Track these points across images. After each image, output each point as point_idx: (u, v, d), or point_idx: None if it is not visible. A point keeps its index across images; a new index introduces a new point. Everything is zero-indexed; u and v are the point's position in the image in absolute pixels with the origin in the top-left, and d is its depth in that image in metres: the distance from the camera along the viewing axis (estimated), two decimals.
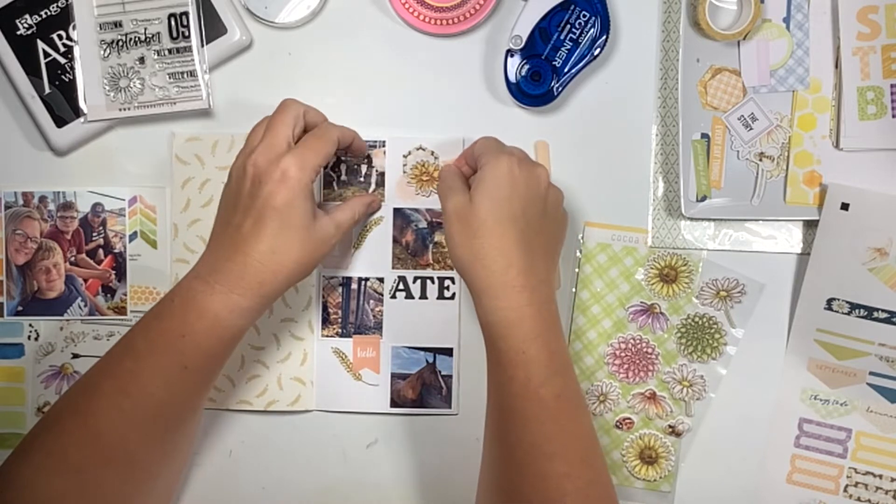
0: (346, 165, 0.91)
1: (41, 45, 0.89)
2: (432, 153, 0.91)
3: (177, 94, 0.89)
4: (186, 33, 0.89)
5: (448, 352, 0.91)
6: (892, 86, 0.89)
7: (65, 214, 0.91)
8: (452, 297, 0.91)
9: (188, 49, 0.89)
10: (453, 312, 0.91)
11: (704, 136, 0.90)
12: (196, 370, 0.77)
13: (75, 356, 0.92)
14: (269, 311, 0.91)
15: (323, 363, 0.92)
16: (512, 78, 0.88)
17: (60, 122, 0.89)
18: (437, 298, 0.91)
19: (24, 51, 0.89)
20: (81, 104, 0.89)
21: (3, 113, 0.92)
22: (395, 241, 0.91)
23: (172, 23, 0.89)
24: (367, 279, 0.91)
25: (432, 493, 0.93)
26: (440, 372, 0.91)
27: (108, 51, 0.89)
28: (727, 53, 0.90)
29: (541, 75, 0.88)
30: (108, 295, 0.91)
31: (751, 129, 0.90)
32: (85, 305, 0.91)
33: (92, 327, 0.91)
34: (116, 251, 0.91)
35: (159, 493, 0.84)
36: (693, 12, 0.88)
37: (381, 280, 0.91)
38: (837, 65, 0.89)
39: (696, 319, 0.91)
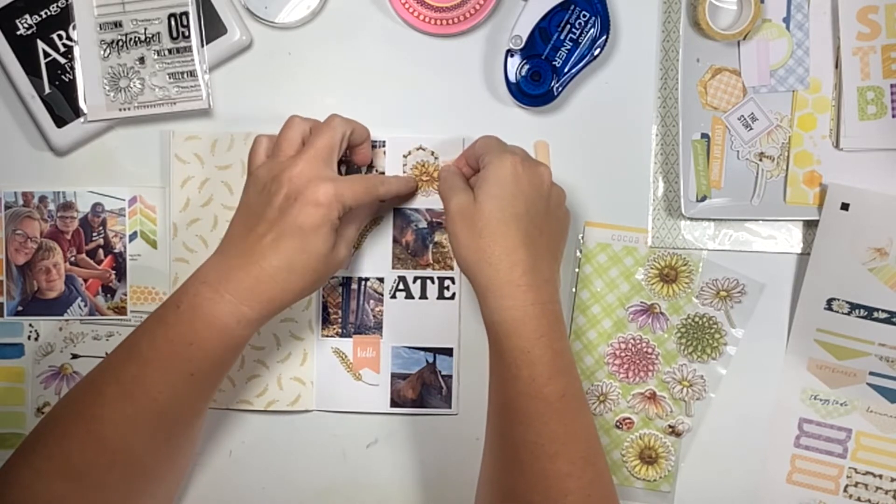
0: (347, 166, 0.92)
1: (41, 45, 0.90)
2: (432, 153, 0.92)
3: (177, 94, 0.90)
4: (186, 33, 0.89)
5: (448, 352, 0.92)
6: (892, 86, 0.89)
7: (65, 214, 0.92)
8: (452, 297, 0.92)
9: (188, 49, 0.89)
10: (453, 312, 0.92)
11: (704, 136, 0.90)
12: (202, 377, 0.77)
13: (75, 356, 0.93)
14: None
15: (323, 363, 0.92)
16: (512, 78, 0.89)
17: (60, 122, 0.90)
18: (437, 298, 0.92)
19: (24, 51, 0.89)
20: (81, 104, 0.90)
21: (3, 113, 0.92)
22: (395, 241, 0.92)
23: (172, 23, 0.89)
24: (367, 279, 0.92)
25: (432, 493, 0.93)
26: (440, 372, 0.92)
27: (108, 51, 0.89)
28: (727, 53, 0.90)
29: (541, 75, 0.89)
30: (108, 295, 0.92)
31: (751, 129, 0.90)
32: (85, 305, 0.92)
33: (91, 327, 0.92)
34: (116, 251, 0.92)
35: (162, 496, 0.85)
36: (693, 12, 0.89)
37: (381, 280, 0.92)
38: (837, 65, 0.90)
39: (697, 319, 0.92)
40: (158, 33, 0.89)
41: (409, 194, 0.90)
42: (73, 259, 0.92)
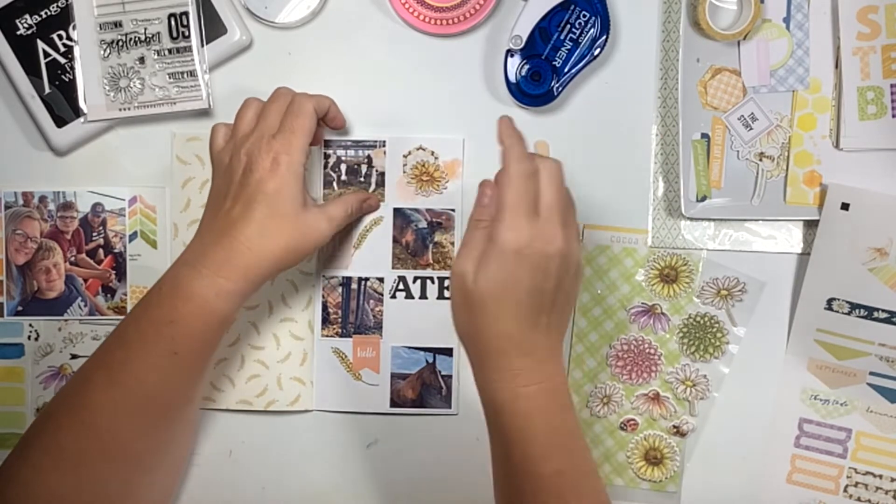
0: (347, 165, 0.92)
1: (41, 45, 0.90)
2: (432, 153, 0.92)
3: (177, 94, 0.91)
4: (186, 33, 0.90)
5: (448, 352, 0.93)
6: (892, 86, 0.90)
7: (65, 214, 0.92)
8: None
9: (188, 49, 0.90)
10: None
11: (704, 136, 0.91)
12: (186, 355, 0.79)
13: (74, 357, 0.93)
14: (268, 310, 0.92)
15: (323, 363, 0.93)
16: (512, 78, 0.90)
17: (60, 122, 0.91)
18: (437, 298, 0.92)
19: (24, 51, 0.90)
20: (81, 104, 0.91)
21: (3, 113, 0.93)
22: (395, 240, 0.93)
23: (172, 23, 0.90)
24: (366, 279, 0.93)
25: (432, 493, 0.94)
26: (440, 372, 0.93)
27: (108, 51, 0.90)
28: (727, 53, 0.91)
29: (541, 75, 0.90)
30: (108, 295, 0.93)
31: (751, 129, 0.91)
32: (85, 305, 0.93)
33: (90, 328, 0.93)
34: (116, 251, 0.93)
35: (160, 488, 0.86)
36: (693, 12, 0.90)
37: (380, 280, 0.93)
38: (837, 65, 0.91)
39: (698, 319, 0.93)
40: (158, 33, 0.90)
41: (338, 116, 0.89)
42: (73, 259, 0.93)
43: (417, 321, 0.93)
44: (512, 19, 0.90)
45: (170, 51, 0.90)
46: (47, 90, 0.91)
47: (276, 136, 0.81)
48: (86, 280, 0.93)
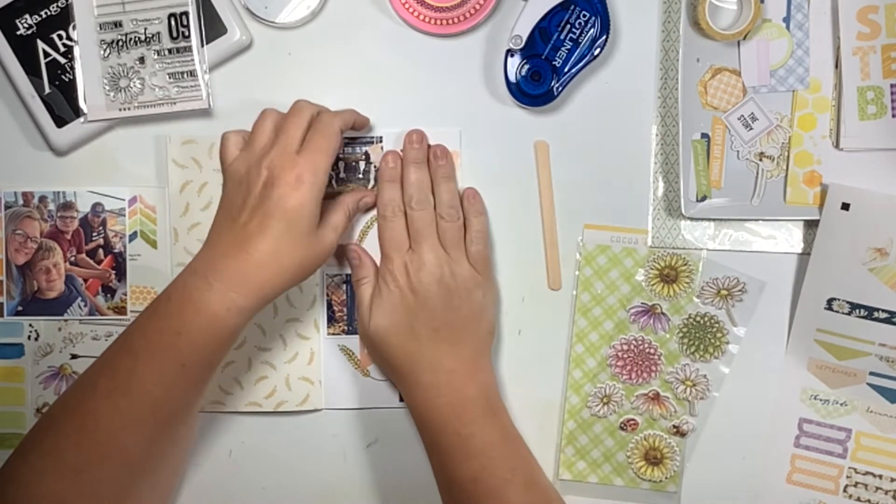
0: (345, 162, 0.93)
1: (41, 45, 0.91)
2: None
3: (177, 94, 0.91)
4: (186, 33, 0.91)
5: None
6: (892, 86, 0.90)
7: (65, 214, 0.93)
8: None
9: (188, 49, 0.91)
10: None
11: (704, 136, 0.92)
12: (193, 367, 0.79)
13: (74, 357, 0.94)
14: (273, 311, 0.93)
15: (330, 361, 0.94)
16: (512, 78, 0.91)
17: (60, 122, 0.91)
18: None
19: (24, 51, 0.91)
20: (81, 104, 0.91)
21: (3, 113, 0.94)
22: None
23: (172, 23, 0.91)
24: None
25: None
26: None
27: (108, 51, 0.91)
28: (727, 53, 0.91)
29: (541, 75, 0.90)
30: (108, 295, 0.94)
31: (751, 129, 0.92)
32: (85, 305, 0.94)
33: (90, 328, 0.94)
34: (116, 251, 0.94)
35: (160, 491, 0.87)
36: (693, 12, 0.90)
37: None
38: (837, 65, 0.91)
39: (698, 319, 0.93)
40: (158, 33, 0.91)
41: (362, 121, 0.92)
42: (73, 259, 0.94)
43: None
44: (512, 19, 0.91)
45: (170, 51, 0.91)
46: (47, 90, 0.91)
47: (302, 153, 0.82)
48: (86, 280, 0.94)
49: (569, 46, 0.90)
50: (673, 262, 0.93)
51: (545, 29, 0.90)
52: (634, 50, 0.93)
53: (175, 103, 0.91)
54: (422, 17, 0.91)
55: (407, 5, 0.91)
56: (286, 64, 0.94)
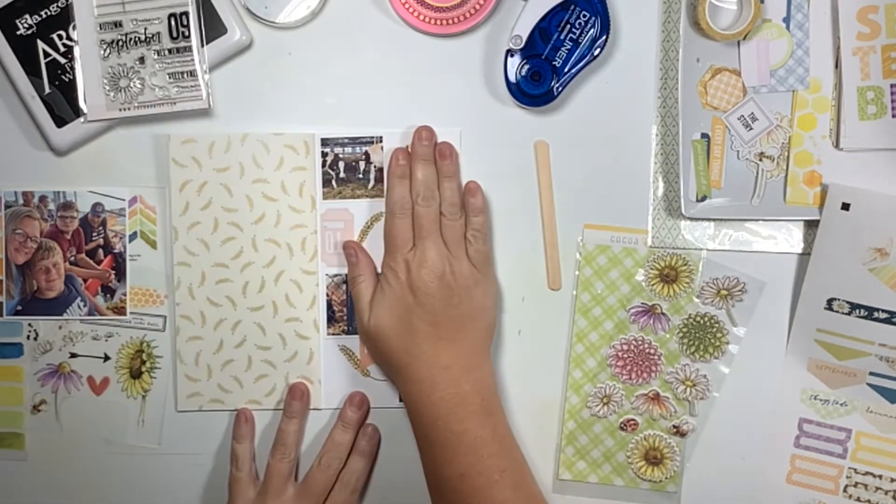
0: (345, 163, 0.94)
1: (41, 45, 0.92)
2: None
3: (177, 94, 0.92)
4: (186, 33, 0.91)
5: None
6: (892, 86, 0.91)
7: (65, 214, 0.94)
8: None
9: (188, 49, 0.91)
10: None
11: (704, 136, 0.92)
12: None
13: (73, 356, 0.95)
14: (273, 310, 0.94)
15: (330, 361, 0.95)
16: (512, 78, 0.91)
17: (60, 122, 0.92)
18: None
19: (24, 51, 0.92)
20: (81, 104, 0.92)
21: (3, 113, 0.95)
22: None
23: (172, 23, 0.91)
24: None
25: None
26: None
27: (108, 51, 0.92)
28: (727, 53, 0.92)
29: (541, 75, 0.91)
30: (108, 295, 0.95)
31: (751, 129, 0.92)
32: (84, 305, 0.94)
33: (91, 327, 0.95)
34: (116, 251, 0.94)
35: None
36: (693, 12, 0.91)
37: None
38: (837, 65, 0.92)
39: (698, 319, 0.94)
40: (158, 33, 0.91)
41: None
42: (72, 259, 0.94)
43: None
44: (512, 19, 0.92)
45: (170, 51, 0.91)
46: (47, 90, 0.92)
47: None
48: (85, 280, 0.95)
49: (569, 46, 0.90)
50: (673, 262, 0.94)
51: (545, 29, 0.90)
52: (634, 50, 0.94)
53: (175, 103, 0.92)
54: (422, 17, 0.91)
55: (407, 5, 0.91)
56: (286, 64, 0.94)
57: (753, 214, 0.93)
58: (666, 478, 0.95)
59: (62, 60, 0.92)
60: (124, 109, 0.92)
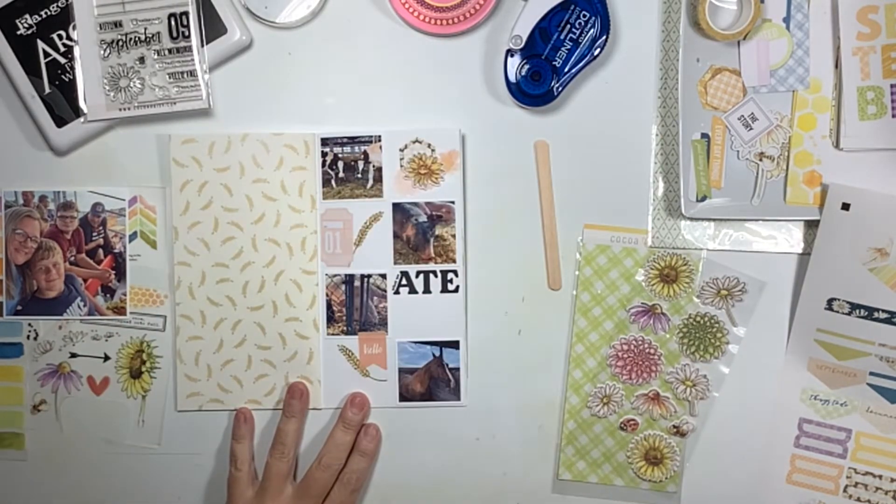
0: (343, 162, 0.95)
1: (41, 45, 0.92)
2: (429, 145, 0.94)
3: (177, 94, 0.93)
4: (186, 33, 0.92)
5: (455, 345, 0.95)
6: (892, 86, 0.91)
7: (65, 214, 0.94)
8: (457, 290, 0.94)
9: (188, 49, 0.92)
10: (458, 305, 0.94)
11: (704, 136, 0.93)
12: None
13: (73, 356, 0.96)
14: (273, 310, 0.95)
15: (330, 361, 0.96)
16: (512, 78, 0.92)
17: (60, 122, 0.93)
18: (441, 292, 0.94)
19: (24, 51, 0.92)
20: (81, 104, 0.93)
21: (3, 113, 0.95)
22: (396, 236, 0.94)
23: (172, 23, 0.92)
24: (369, 276, 0.95)
25: (442, 485, 0.97)
26: (447, 365, 0.95)
27: (108, 51, 0.92)
28: (727, 53, 0.93)
29: (541, 75, 0.91)
30: (108, 295, 0.95)
31: (751, 129, 0.93)
32: (84, 305, 0.95)
33: (91, 327, 0.95)
34: (116, 251, 0.95)
35: None
36: (693, 12, 0.91)
37: (383, 276, 0.94)
38: (837, 65, 0.92)
39: (698, 319, 0.95)
40: (158, 33, 0.92)
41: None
42: (72, 259, 0.95)
43: (422, 315, 0.94)
44: (512, 19, 0.92)
45: (170, 51, 0.92)
46: (47, 90, 0.93)
47: None
48: (85, 280, 0.95)
49: (569, 46, 0.91)
50: (673, 262, 0.94)
51: (545, 29, 0.91)
52: (634, 50, 0.94)
53: (175, 103, 0.93)
54: (422, 17, 0.92)
55: (407, 5, 0.92)
56: (286, 64, 0.95)
57: (753, 214, 0.93)
58: (666, 478, 0.95)
59: (62, 60, 0.93)
60: (124, 109, 0.93)
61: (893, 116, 0.92)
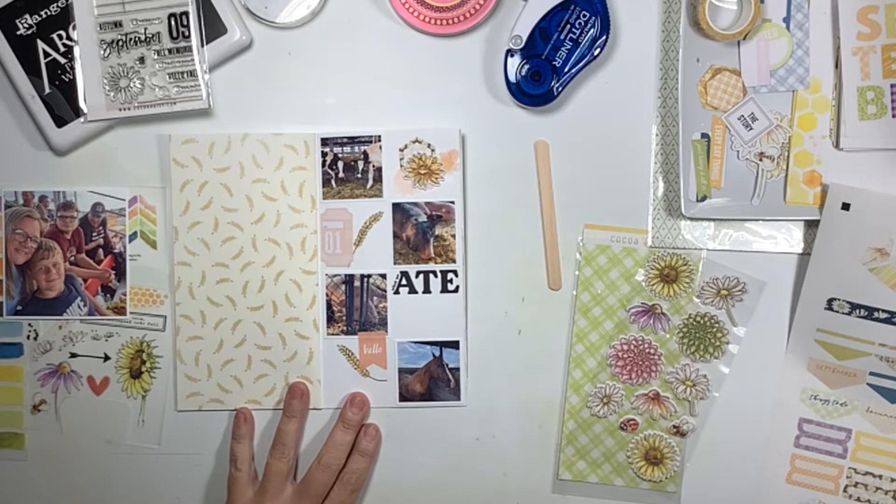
0: (343, 162, 0.95)
1: (41, 45, 0.93)
2: (429, 145, 0.94)
3: (177, 94, 0.93)
4: (186, 33, 0.92)
5: (455, 345, 0.95)
6: (892, 86, 0.92)
7: (65, 214, 0.95)
8: (456, 290, 0.94)
9: (188, 49, 0.92)
10: (458, 305, 0.95)
11: (704, 136, 0.93)
12: None
13: (73, 356, 0.96)
14: (273, 310, 0.95)
15: (329, 361, 0.96)
16: (512, 78, 0.92)
17: (60, 122, 0.93)
18: (441, 292, 0.94)
19: (24, 51, 0.93)
20: (81, 104, 0.93)
21: (3, 113, 0.96)
22: (396, 236, 0.95)
23: (172, 23, 0.92)
24: (369, 276, 0.95)
25: (442, 485, 0.97)
26: (447, 365, 0.95)
27: (108, 51, 0.92)
28: (727, 53, 0.93)
29: (541, 75, 0.91)
30: (108, 295, 0.95)
31: (751, 128, 0.93)
32: (84, 305, 0.95)
33: (91, 327, 0.96)
34: (116, 251, 0.95)
35: None
36: (693, 12, 0.92)
37: (383, 276, 0.95)
38: (837, 65, 0.93)
39: (698, 319, 0.95)
40: (158, 33, 0.92)
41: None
42: (72, 259, 0.95)
43: (422, 316, 0.95)
44: (512, 19, 0.92)
45: (170, 51, 0.92)
46: (47, 90, 0.93)
47: None
48: (85, 280, 0.95)
49: (569, 46, 0.91)
50: (673, 262, 0.94)
51: (545, 29, 0.91)
52: (634, 50, 0.94)
53: (175, 103, 0.93)
54: (422, 17, 0.92)
55: (407, 5, 0.92)
56: (286, 64, 0.95)
57: (753, 214, 0.93)
58: (666, 478, 0.95)
59: (62, 60, 0.93)
60: (124, 109, 0.93)
61: (893, 116, 0.92)
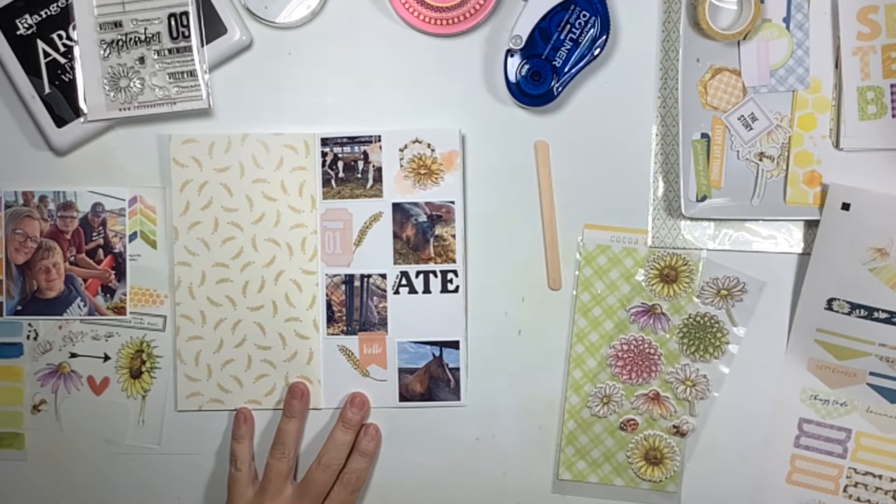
0: (343, 162, 0.95)
1: (41, 45, 0.93)
2: (429, 145, 0.95)
3: (177, 94, 0.93)
4: (186, 33, 0.92)
5: (455, 345, 0.95)
6: (892, 86, 0.92)
7: (65, 214, 0.95)
8: (456, 290, 0.95)
9: (188, 49, 0.93)
10: (458, 305, 0.95)
11: (704, 136, 0.93)
12: None
13: (73, 356, 0.96)
14: (273, 310, 0.95)
15: (329, 361, 0.96)
16: (512, 78, 0.92)
17: (60, 122, 0.93)
18: (441, 292, 0.95)
19: (24, 51, 0.93)
20: (81, 104, 0.93)
21: (3, 113, 0.96)
22: (396, 236, 0.95)
23: (172, 23, 0.92)
24: (369, 276, 0.95)
25: (442, 485, 0.97)
26: (447, 365, 0.95)
27: (108, 51, 0.93)
28: (727, 53, 0.93)
29: (541, 75, 0.92)
30: (108, 295, 0.96)
31: (751, 128, 0.93)
32: (84, 305, 0.95)
33: (91, 327, 0.96)
34: (116, 251, 0.95)
35: None
36: (693, 12, 0.92)
37: (383, 276, 0.95)
38: (837, 65, 0.93)
39: (698, 319, 0.95)
40: (158, 33, 0.93)
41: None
42: (72, 259, 0.95)
43: (422, 316, 0.95)
44: (512, 19, 0.92)
45: (170, 51, 0.93)
46: (47, 90, 0.93)
47: None
48: (85, 280, 0.96)
49: (569, 46, 0.91)
50: (673, 262, 0.95)
51: (545, 29, 0.91)
52: (634, 50, 0.95)
53: (175, 103, 0.93)
54: (422, 17, 0.92)
55: (407, 5, 0.92)
56: (286, 64, 0.95)
57: (753, 214, 0.94)
58: (666, 478, 0.96)
59: (62, 60, 0.93)
60: (124, 109, 0.93)
61: (893, 116, 0.92)
